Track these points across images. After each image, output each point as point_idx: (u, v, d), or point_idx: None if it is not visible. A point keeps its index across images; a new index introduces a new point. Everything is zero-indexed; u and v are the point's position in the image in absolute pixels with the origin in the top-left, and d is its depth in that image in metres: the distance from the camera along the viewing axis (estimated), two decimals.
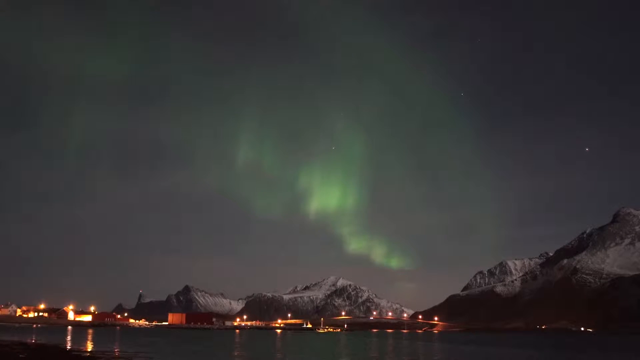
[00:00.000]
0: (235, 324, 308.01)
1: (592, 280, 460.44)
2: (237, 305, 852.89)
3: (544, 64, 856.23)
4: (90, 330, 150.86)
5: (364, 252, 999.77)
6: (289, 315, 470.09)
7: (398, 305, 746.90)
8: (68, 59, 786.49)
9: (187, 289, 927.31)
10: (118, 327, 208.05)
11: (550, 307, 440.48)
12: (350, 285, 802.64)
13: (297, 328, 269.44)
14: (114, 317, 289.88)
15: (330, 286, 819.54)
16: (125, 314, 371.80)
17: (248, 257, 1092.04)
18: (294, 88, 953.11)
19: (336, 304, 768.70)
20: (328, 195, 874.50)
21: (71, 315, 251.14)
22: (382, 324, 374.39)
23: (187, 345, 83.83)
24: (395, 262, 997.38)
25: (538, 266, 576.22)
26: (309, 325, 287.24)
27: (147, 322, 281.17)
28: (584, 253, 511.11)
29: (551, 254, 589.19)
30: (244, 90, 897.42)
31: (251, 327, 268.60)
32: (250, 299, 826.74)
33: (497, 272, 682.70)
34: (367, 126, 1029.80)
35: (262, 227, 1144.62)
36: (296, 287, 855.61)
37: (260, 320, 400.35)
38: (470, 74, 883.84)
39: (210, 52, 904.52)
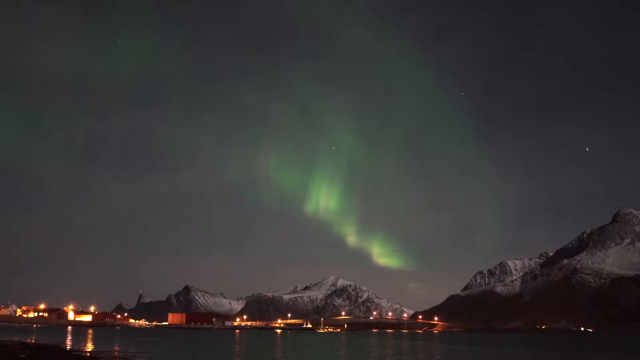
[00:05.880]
0: (235, 324, 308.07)
1: (592, 280, 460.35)
2: (237, 305, 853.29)
3: (544, 64, 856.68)
4: (90, 330, 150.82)
5: (364, 252, 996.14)
6: (289, 315, 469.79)
7: (398, 305, 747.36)
8: (68, 59, 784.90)
9: (187, 289, 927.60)
10: (118, 327, 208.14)
11: (550, 307, 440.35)
12: (350, 285, 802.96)
13: (297, 328, 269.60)
14: (114, 317, 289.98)
15: (330, 286, 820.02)
16: (125, 314, 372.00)
17: (248, 257, 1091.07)
18: (294, 88, 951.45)
19: (336, 304, 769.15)
20: (328, 195, 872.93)
21: (71, 315, 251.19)
22: (382, 324, 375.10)
23: (187, 346, 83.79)
24: (395, 262, 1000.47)
25: (538, 266, 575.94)
26: (309, 325, 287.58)
27: (147, 322, 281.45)
28: (584, 253, 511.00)
29: (551, 254, 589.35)
30: (244, 90, 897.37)
31: (251, 327, 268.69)
32: (250, 299, 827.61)
33: (497, 272, 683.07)
34: (367, 126, 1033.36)
35: (262, 227, 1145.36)
36: (296, 287, 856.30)
37: (260, 320, 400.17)
38: (470, 74, 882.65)
39: (210, 52, 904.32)
